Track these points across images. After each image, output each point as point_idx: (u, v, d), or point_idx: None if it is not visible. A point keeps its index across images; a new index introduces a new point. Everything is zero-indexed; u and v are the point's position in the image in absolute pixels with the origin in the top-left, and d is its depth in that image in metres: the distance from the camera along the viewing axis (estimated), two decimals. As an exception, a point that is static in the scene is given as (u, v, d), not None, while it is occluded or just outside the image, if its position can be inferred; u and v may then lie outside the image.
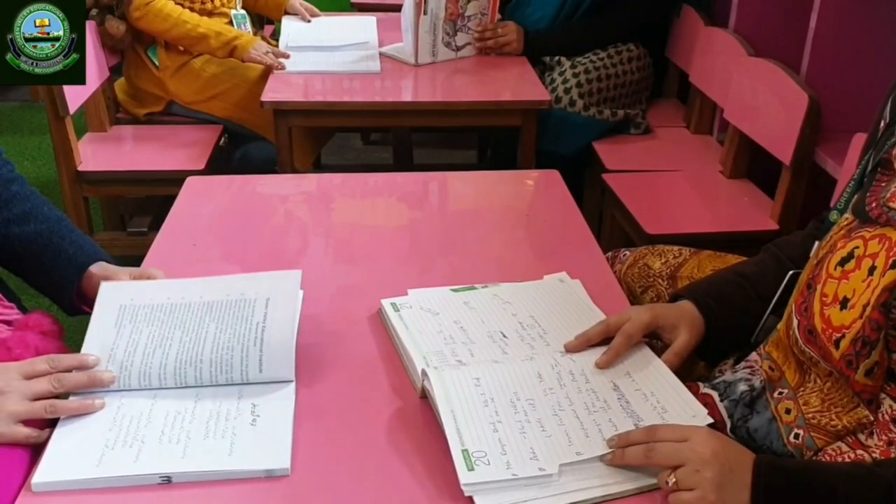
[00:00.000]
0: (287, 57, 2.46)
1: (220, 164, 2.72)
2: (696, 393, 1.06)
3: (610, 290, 1.31)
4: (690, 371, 1.17)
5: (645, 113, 2.67)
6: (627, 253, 1.43)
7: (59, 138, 2.28)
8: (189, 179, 1.70)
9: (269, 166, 2.58)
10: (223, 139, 2.77)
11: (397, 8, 2.98)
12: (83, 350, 1.06)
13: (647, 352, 1.08)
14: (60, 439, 0.97)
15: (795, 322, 0.99)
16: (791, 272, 1.09)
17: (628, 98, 2.65)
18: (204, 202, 1.65)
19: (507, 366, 1.07)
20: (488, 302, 1.24)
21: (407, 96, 2.42)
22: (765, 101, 2.09)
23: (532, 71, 2.50)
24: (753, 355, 1.08)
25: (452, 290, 1.27)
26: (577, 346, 1.08)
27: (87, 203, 2.38)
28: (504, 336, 1.15)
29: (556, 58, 2.64)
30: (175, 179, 2.16)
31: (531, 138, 2.31)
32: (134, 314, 1.11)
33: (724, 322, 1.09)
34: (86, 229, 2.39)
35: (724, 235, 2.02)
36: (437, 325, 1.17)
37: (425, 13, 2.43)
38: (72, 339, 1.15)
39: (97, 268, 1.21)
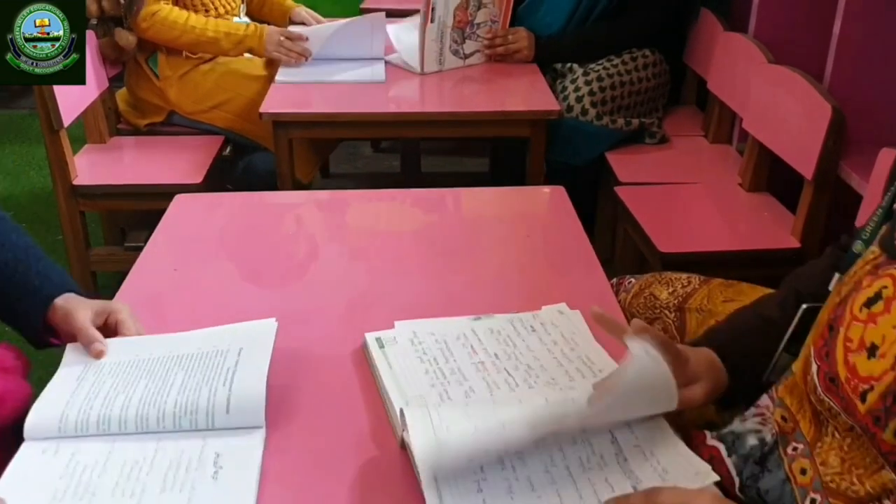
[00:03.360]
0: (305, 40, 2.41)
1: (221, 175, 2.65)
2: (701, 443, 0.96)
3: (614, 322, 1.21)
4: (700, 414, 1.07)
5: (661, 121, 2.57)
6: (633, 280, 1.33)
7: (54, 151, 2.22)
8: (177, 197, 1.63)
9: (273, 177, 2.49)
10: (228, 149, 2.71)
11: (406, 13, 2.91)
12: (36, 405, 0.99)
13: None
14: (8, 485, 0.90)
15: (815, 367, 0.89)
16: (805, 306, 0.99)
17: (643, 106, 2.55)
18: (190, 221, 1.58)
19: (496, 411, 0.97)
20: (480, 336, 1.15)
21: (412, 106, 2.33)
22: (786, 110, 1.99)
23: (542, 79, 2.40)
24: (764, 399, 0.98)
25: (442, 322, 1.18)
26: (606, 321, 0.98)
27: (83, 217, 2.32)
28: (497, 377, 1.06)
29: (568, 65, 2.54)
30: (171, 193, 2.10)
31: (539, 150, 2.21)
32: (98, 370, 1.06)
33: (750, 377, 0.99)
34: (82, 245, 2.33)
35: (743, 254, 1.91)
36: (423, 366, 1.09)
37: (432, 21, 2.35)
38: (42, 372, 1.08)
39: (62, 300, 1.14)
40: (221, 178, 2.65)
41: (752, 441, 0.92)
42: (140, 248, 1.46)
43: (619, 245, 2.22)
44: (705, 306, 1.21)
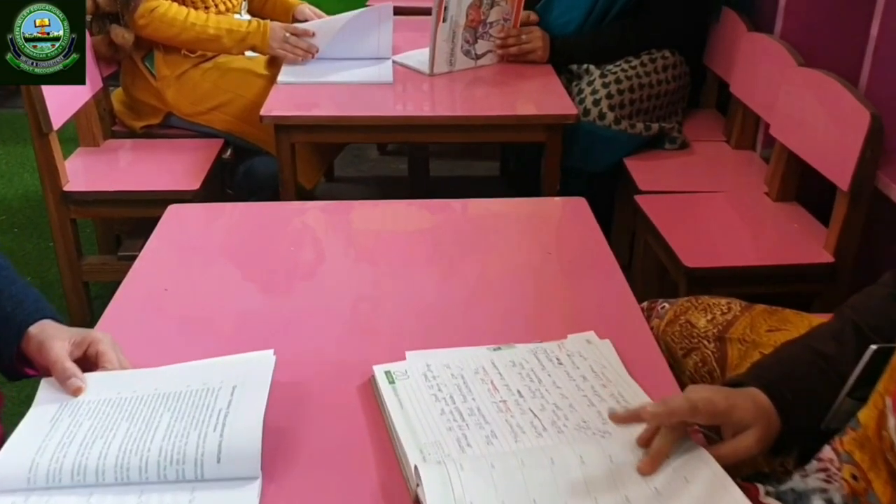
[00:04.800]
0: (311, 35, 2.31)
1: (221, 180, 2.54)
2: (754, 499, 0.85)
3: (647, 353, 1.10)
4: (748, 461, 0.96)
5: (681, 126, 2.45)
6: (667, 305, 1.22)
7: (43, 156, 2.11)
8: (171, 208, 1.53)
9: (275, 182, 2.39)
10: (228, 152, 2.59)
11: (415, 11, 2.81)
12: (3, 452, 0.88)
13: (702, 454, 0.87)
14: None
15: (892, 422, 0.77)
16: (874, 348, 0.88)
17: (663, 110, 2.43)
18: (183, 235, 1.47)
19: (525, 477, 0.85)
20: (501, 370, 1.04)
21: (421, 110, 2.22)
22: (817, 117, 1.87)
23: (558, 81, 2.29)
24: (827, 451, 0.87)
25: (458, 353, 1.07)
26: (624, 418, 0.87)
27: (74, 225, 2.21)
28: (522, 419, 0.95)
29: (584, 66, 2.42)
30: (166, 200, 1.99)
31: (555, 157, 2.10)
32: (75, 409, 0.95)
33: (805, 421, 0.88)
34: (73, 253, 2.21)
35: (774, 270, 1.79)
36: (438, 405, 0.97)
37: (444, 20, 2.23)
38: (22, 407, 0.97)
39: (37, 328, 1.03)
40: (221, 183, 2.55)
41: (817, 502, 0.80)
42: (135, 258, 1.37)
43: (639, 257, 2.10)
44: (748, 336, 1.09)
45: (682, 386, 1.08)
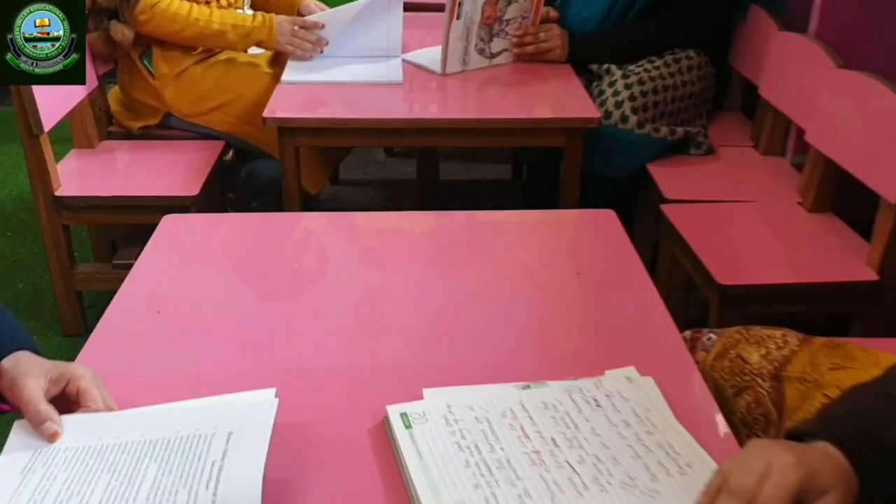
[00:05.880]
0: (321, 27, 2.20)
1: (222, 183, 2.43)
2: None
3: (693, 392, 0.99)
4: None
5: (706, 130, 2.32)
6: (713, 336, 1.10)
7: (34, 159, 1.99)
8: (166, 218, 1.41)
9: (278, 186, 2.27)
10: (230, 153, 2.48)
11: (427, 7, 2.69)
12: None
13: None
14: None
15: None
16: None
17: (687, 113, 2.31)
18: (179, 249, 1.36)
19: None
20: (532, 413, 0.92)
21: (432, 112, 2.10)
22: (859, 122, 1.75)
23: (578, 82, 2.16)
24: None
25: (482, 391, 0.95)
26: None
27: (67, 231, 2.09)
28: (558, 473, 0.83)
29: (605, 66, 2.30)
30: (164, 207, 1.89)
31: (575, 163, 1.98)
32: (50, 458, 0.83)
33: (886, 485, 0.76)
34: (66, 261, 2.10)
35: (813, 288, 1.67)
36: (462, 455, 0.86)
37: (458, 17, 2.11)
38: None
39: (10, 362, 0.91)
40: (222, 186, 2.43)
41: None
42: (130, 267, 1.26)
43: (664, 271, 1.98)
44: (809, 375, 0.97)
45: (733, 428, 0.97)
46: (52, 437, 0.85)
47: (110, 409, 0.90)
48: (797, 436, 0.81)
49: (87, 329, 2.11)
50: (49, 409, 0.87)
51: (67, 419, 0.87)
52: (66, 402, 0.90)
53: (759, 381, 1.01)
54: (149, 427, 0.87)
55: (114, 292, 1.16)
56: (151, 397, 0.93)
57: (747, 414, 1.01)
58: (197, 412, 0.88)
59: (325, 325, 1.12)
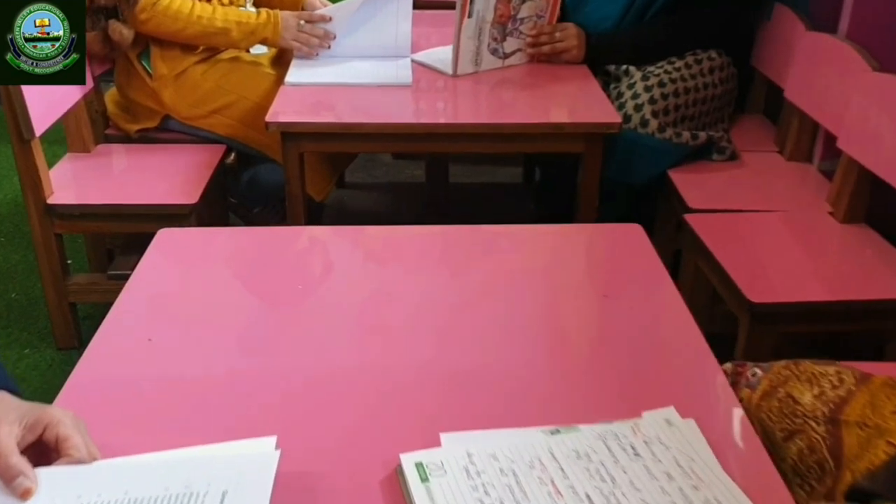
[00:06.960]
0: (328, 20, 2.12)
1: (224, 187, 2.33)
2: None
3: (739, 436, 0.89)
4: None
5: (729, 135, 2.22)
6: (759, 372, 1.00)
7: (25, 164, 1.90)
8: (160, 233, 1.32)
9: (281, 192, 2.18)
10: (232, 157, 2.38)
11: (437, 5, 2.59)
12: None
13: None
14: None
15: None
16: None
17: (709, 116, 2.20)
18: (175, 266, 1.27)
19: None
20: (562, 463, 0.82)
21: (442, 116, 2.00)
22: (897, 129, 1.65)
23: (596, 84, 2.06)
24: None
25: (506, 436, 0.86)
26: None
27: (60, 240, 2.00)
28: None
29: (623, 67, 2.20)
30: (161, 215, 1.81)
31: (595, 171, 1.88)
32: None
33: None
34: (58, 272, 2.00)
35: (850, 306, 1.57)
36: (487, 515, 0.76)
37: (470, 16, 2.01)
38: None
39: (-17, 404, 0.81)
40: (223, 190, 2.33)
41: None
42: (126, 277, 1.17)
43: (687, 284, 1.88)
44: (870, 419, 0.87)
45: (783, 476, 0.87)
46: (24, 495, 0.76)
47: (94, 458, 0.81)
48: (861, 493, 0.71)
49: (82, 342, 2.02)
50: (22, 462, 0.77)
51: (43, 473, 0.77)
52: (43, 454, 0.80)
53: (813, 424, 0.91)
54: (134, 481, 0.77)
55: (110, 304, 1.09)
56: (140, 437, 0.84)
57: (799, 461, 0.91)
58: (188, 466, 0.78)
59: (332, 359, 1.02)
